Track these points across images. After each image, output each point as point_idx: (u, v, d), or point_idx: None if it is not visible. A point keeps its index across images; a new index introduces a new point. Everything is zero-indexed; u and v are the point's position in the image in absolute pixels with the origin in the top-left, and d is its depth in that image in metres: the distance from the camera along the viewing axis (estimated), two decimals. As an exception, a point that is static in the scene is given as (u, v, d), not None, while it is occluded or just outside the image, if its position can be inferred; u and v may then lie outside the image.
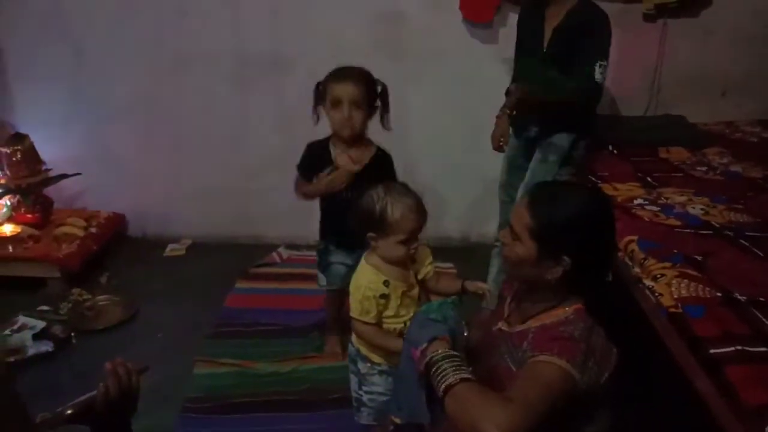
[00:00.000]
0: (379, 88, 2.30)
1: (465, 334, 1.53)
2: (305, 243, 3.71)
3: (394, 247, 1.69)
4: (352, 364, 1.93)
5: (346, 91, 2.21)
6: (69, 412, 1.10)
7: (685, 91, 3.49)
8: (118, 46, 3.40)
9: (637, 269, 2.03)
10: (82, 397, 1.13)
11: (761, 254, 2.03)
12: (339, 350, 2.71)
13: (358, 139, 2.33)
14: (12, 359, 2.61)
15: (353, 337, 1.89)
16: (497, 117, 2.72)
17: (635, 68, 3.43)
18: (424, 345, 1.33)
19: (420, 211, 1.69)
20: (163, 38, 3.38)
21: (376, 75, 2.31)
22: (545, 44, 2.53)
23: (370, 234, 1.71)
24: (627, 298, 2.02)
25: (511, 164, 2.84)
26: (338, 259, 2.49)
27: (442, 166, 3.56)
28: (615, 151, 3.09)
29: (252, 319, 3.05)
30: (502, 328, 1.49)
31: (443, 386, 1.21)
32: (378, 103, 2.31)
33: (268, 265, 3.60)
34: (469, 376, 1.22)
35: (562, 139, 2.60)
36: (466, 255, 3.59)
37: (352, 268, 2.22)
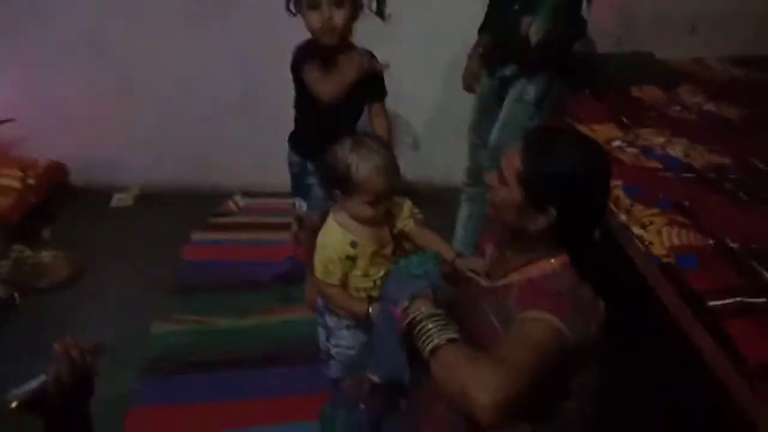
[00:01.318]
0: None
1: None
2: (263, 190, 3.52)
3: (361, 207, 1.54)
4: (320, 316, 1.84)
5: None
6: (15, 404, 0.95)
7: (654, 27, 3.39)
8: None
9: (623, 216, 1.94)
10: (31, 384, 0.99)
11: (746, 198, 1.98)
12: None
13: (343, 46, 2.05)
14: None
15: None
16: (469, 56, 2.63)
17: (604, 2, 3.29)
18: (406, 303, 1.24)
19: (390, 173, 1.52)
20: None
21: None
22: None
23: (336, 191, 1.57)
24: (614, 246, 1.93)
25: (483, 104, 2.70)
26: (318, 179, 2.25)
27: (409, 105, 3.39)
28: (587, 90, 2.98)
29: (210, 272, 2.90)
30: (482, 283, 1.41)
31: (428, 349, 1.13)
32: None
33: (225, 215, 3.43)
34: (455, 336, 1.14)
35: (539, 79, 2.47)
36: (431, 200, 3.48)
37: None
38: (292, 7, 2.02)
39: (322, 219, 2.14)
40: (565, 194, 1.20)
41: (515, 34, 2.20)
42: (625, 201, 1.96)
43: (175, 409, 2.19)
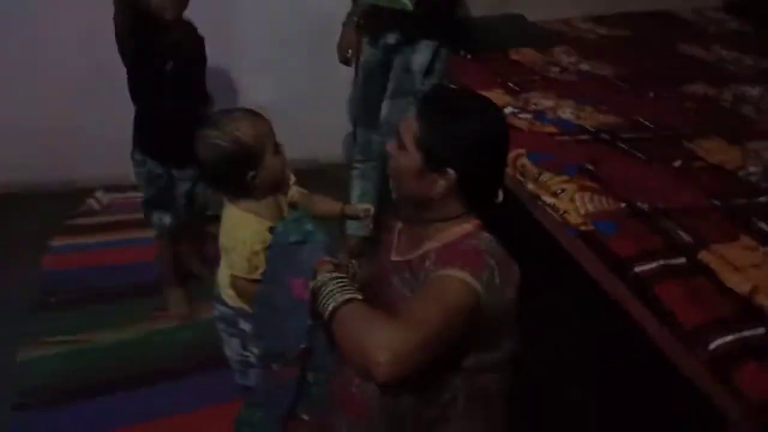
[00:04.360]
0: None
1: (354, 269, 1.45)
2: (129, 183, 3.17)
3: (275, 162, 1.50)
4: (229, 326, 1.68)
5: None
6: None
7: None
8: None
9: (531, 185, 1.90)
10: None
11: (643, 157, 2.01)
12: (186, 308, 2.46)
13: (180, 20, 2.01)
14: None
15: (229, 297, 1.62)
16: (343, 25, 2.56)
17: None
18: (308, 277, 1.18)
19: (258, 114, 1.51)
20: None
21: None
22: None
23: (251, 173, 1.46)
24: (523, 217, 1.89)
25: (367, 76, 2.58)
26: (180, 188, 2.20)
27: (282, 81, 3.19)
28: (468, 56, 2.93)
29: (80, 282, 2.60)
30: (394, 258, 1.34)
31: (327, 312, 1.08)
32: None
33: (87, 215, 3.08)
34: (355, 296, 1.09)
35: (425, 47, 2.40)
36: (316, 178, 3.33)
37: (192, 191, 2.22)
38: None
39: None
40: (462, 154, 1.17)
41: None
42: (533, 169, 1.91)
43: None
